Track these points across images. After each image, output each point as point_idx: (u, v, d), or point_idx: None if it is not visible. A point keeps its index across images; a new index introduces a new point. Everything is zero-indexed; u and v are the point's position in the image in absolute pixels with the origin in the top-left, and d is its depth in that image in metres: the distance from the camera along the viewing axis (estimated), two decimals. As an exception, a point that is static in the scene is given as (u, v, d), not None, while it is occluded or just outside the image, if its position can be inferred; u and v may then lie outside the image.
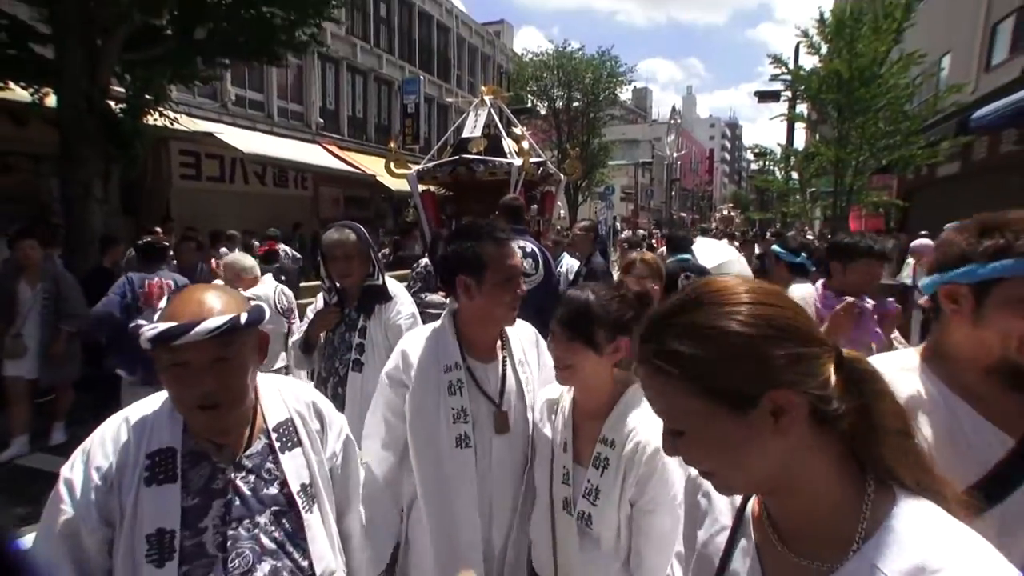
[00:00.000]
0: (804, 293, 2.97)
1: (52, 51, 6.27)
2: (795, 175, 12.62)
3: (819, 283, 2.82)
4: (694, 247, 6.16)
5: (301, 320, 2.97)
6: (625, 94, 29.23)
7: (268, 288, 4.31)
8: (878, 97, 9.62)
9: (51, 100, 6.55)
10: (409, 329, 2.45)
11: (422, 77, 20.86)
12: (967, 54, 12.82)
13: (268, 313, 1.16)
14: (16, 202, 9.66)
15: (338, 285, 2.65)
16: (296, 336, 2.84)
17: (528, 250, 3.94)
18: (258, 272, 4.37)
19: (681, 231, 7.65)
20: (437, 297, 4.20)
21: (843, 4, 12.20)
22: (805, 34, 11.17)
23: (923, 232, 7.99)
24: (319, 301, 2.78)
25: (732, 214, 57.16)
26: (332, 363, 2.64)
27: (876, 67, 9.59)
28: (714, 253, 8.01)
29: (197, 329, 1.05)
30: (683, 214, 64.32)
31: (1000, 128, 9.48)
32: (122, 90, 6.99)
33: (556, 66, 23.89)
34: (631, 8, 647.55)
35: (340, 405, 2.44)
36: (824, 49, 10.87)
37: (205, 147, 12.77)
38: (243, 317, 1.12)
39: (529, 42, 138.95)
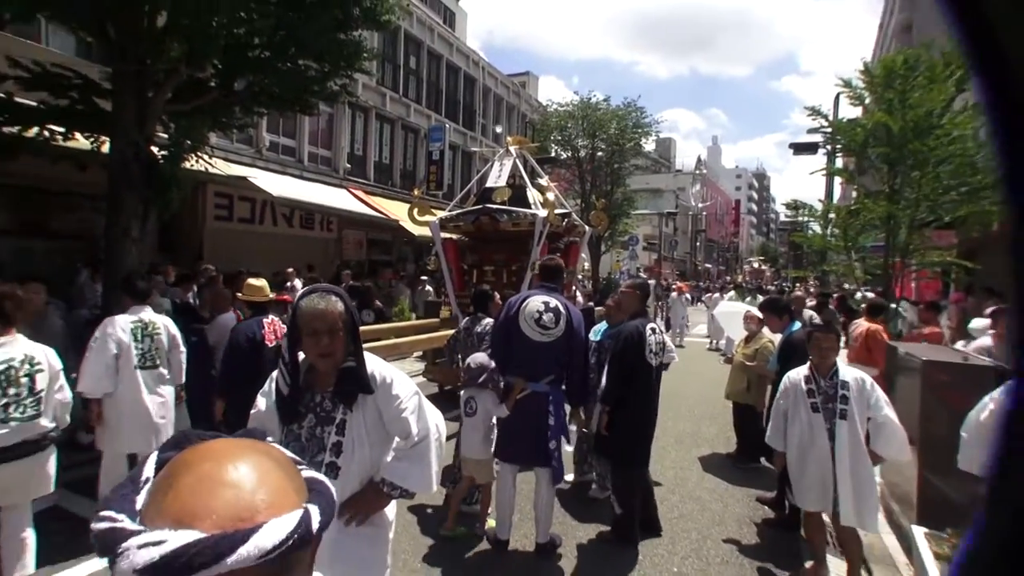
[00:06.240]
0: None
1: (110, 104, 6.69)
2: (836, 231, 11.82)
3: None
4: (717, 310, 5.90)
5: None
6: (649, 144, 29.51)
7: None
8: (938, 149, 8.88)
9: (106, 147, 6.97)
10: (414, 413, 2.15)
11: (447, 125, 21.46)
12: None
13: (335, 492, 0.71)
14: (76, 238, 10.82)
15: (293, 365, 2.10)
16: None
17: (551, 305, 4.00)
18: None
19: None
20: (481, 356, 4.20)
21: (891, 54, 11.66)
22: (847, 84, 10.71)
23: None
24: (271, 390, 2.15)
25: (763, 267, 56.50)
26: None
27: (934, 118, 8.90)
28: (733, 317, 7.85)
29: (242, 552, 0.54)
30: (708, 265, 64.05)
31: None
32: (165, 136, 7.34)
33: (581, 116, 24.17)
34: (651, 60, 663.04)
35: None
36: (868, 100, 10.34)
37: (238, 190, 13.26)
38: (315, 514, 0.62)
39: (549, 91, 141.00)
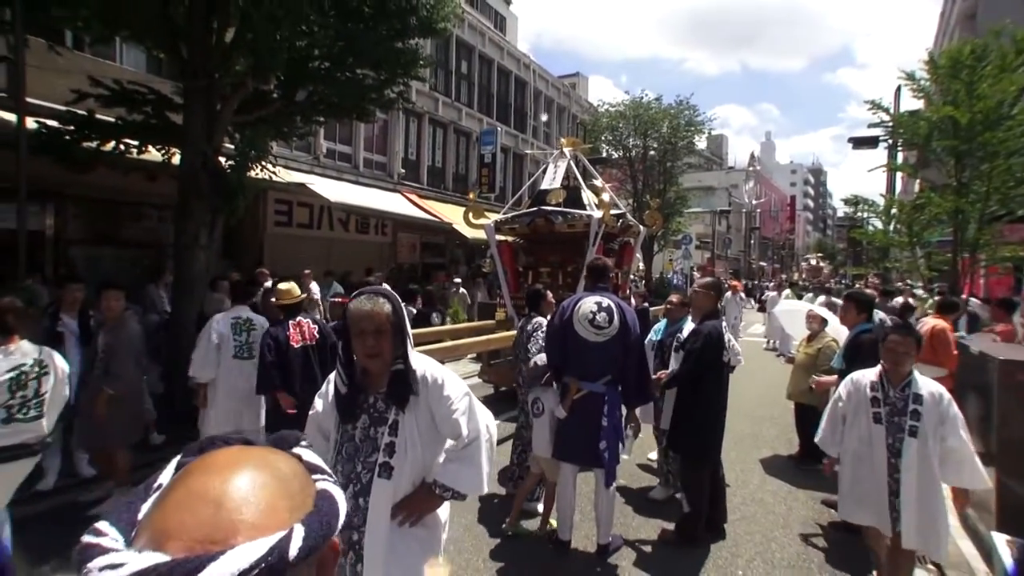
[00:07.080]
0: None
1: (180, 118, 7.02)
2: (900, 227, 11.39)
3: None
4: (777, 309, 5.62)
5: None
6: (701, 142, 28.94)
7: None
8: (1010, 141, 8.61)
9: (176, 159, 7.32)
10: (465, 414, 2.15)
11: (499, 128, 21.55)
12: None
13: (342, 509, 0.64)
14: (143, 247, 11.45)
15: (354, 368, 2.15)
16: None
17: (604, 304, 4.02)
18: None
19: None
20: (543, 356, 4.30)
21: (956, 44, 11.39)
22: (911, 77, 10.47)
23: None
24: (327, 391, 2.24)
25: (821, 264, 54.47)
26: (352, 466, 2.09)
27: (1005, 108, 8.70)
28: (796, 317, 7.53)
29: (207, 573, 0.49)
30: (763, 263, 62.35)
31: None
32: (231, 147, 7.63)
33: (632, 116, 23.91)
34: (700, 56, 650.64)
35: (362, 518, 2.03)
36: (932, 92, 10.14)
37: (297, 196, 13.66)
38: (296, 538, 0.55)
39: (599, 91, 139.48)
